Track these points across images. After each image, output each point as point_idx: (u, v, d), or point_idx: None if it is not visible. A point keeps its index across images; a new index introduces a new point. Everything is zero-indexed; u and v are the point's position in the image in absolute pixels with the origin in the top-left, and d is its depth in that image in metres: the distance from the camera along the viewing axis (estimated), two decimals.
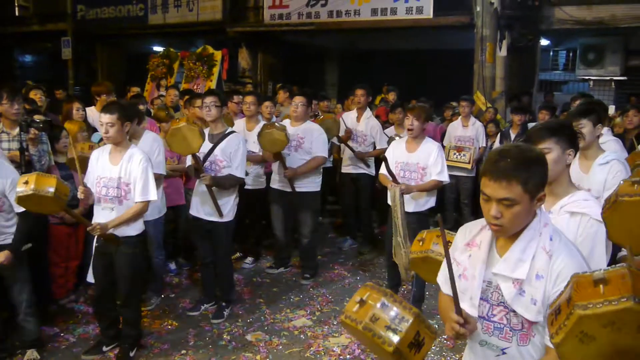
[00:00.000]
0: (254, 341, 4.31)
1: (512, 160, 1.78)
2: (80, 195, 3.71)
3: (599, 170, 3.24)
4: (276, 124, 5.27)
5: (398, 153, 4.73)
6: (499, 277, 1.87)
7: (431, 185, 4.61)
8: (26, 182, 3.35)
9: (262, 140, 5.11)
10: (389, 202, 4.58)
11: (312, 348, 4.21)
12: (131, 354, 3.98)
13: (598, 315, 1.34)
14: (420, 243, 2.54)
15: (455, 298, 1.85)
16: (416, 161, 4.61)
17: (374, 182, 6.30)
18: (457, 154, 7.03)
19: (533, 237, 1.84)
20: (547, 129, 2.46)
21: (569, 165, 2.48)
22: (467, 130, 7.13)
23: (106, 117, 3.71)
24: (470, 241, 2.01)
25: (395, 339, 1.62)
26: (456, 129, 7.23)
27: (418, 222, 4.60)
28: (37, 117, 4.71)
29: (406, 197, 4.53)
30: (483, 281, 1.92)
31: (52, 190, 3.35)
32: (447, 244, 1.87)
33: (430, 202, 4.75)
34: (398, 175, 4.60)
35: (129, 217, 3.80)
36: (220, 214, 4.55)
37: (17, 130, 4.34)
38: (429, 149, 4.62)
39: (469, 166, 6.94)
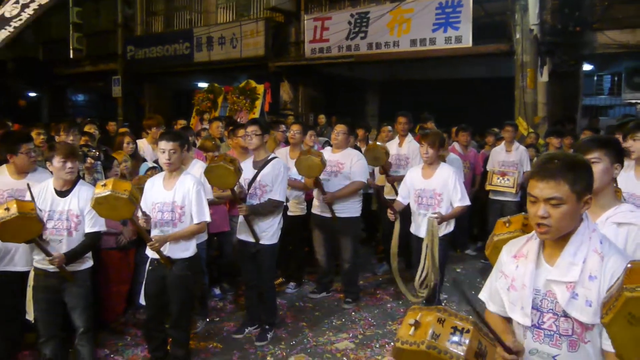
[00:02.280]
0: None
1: (560, 161, 1.85)
2: (142, 223, 3.89)
3: None
4: (312, 149, 5.41)
5: (415, 180, 4.84)
6: (552, 283, 1.89)
7: (458, 212, 4.73)
8: (104, 185, 3.62)
9: (299, 165, 5.22)
10: (412, 230, 4.91)
11: None
12: None
13: None
14: (507, 225, 2.51)
15: (499, 341, 1.85)
16: (432, 187, 4.71)
17: None
18: (501, 178, 6.99)
19: (582, 241, 1.87)
20: (597, 140, 2.53)
21: (614, 179, 2.51)
22: (510, 155, 7.09)
23: (169, 145, 3.93)
24: (516, 253, 2.05)
25: (462, 351, 1.61)
26: (499, 154, 7.19)
27: (439, 246, 4.69)
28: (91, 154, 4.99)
29: (427, 223, 4.66)
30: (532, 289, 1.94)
31: (127, 192, 3.60)
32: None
33: (450, 226, 4.86)
34: (416, 202, 4.78)
35: (185, 234, 3.98)
36: (257, 240, 4.66)
37: None
38: (445, 175, 4.70)
39: (513, 190, 6.87)
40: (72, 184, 3.96)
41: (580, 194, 1.83)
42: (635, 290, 1.39)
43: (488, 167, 7.26)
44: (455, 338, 1.64)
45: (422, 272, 4.66)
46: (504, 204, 6.93)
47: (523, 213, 2.55)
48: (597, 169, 2.38)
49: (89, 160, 4.83)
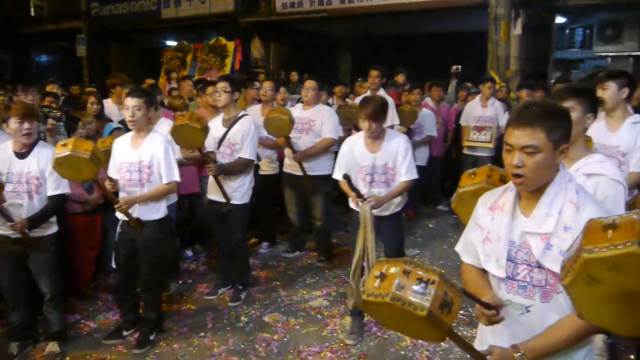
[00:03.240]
0: (271, 322, 4.35)
1: (538, 108, 1.80)
2: (108, 186, 3.79)
3: (631, 127, 3.41)
4: (281, 108, 5.32)
5: (359, 155, 4.00)
6: (527, 234, 1.86)
7: (402, 188, 3.99)
8: (64, 145, 3.48)
9: (267, 125, 5.12)
10: (351, 205, 4.10)
11: (329, 327, 4.23)
12: (151, 338, 4.04)
13: (602, 259, 1.33)
14: (472, 177, 2.47)
15: (477, 300, 1.85)
16: (383, 162, 3.95)
17: None
18: (477, 133, 6.98)
19: (558, 191, 1.84)
20: (572, 89, 2.51)
21: (585, 130, 2.49)
22: (486, 110, 7.04)
23: (133, 101, 3.78)
24: (492, 205, 2.01)
25: (427, 302, 1.57)
26: (474, 109, 7.13)
27: (394, 221, 4.18)
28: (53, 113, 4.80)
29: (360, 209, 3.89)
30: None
31: (88, 152, 3.47)
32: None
33: (404, 201, 4.25)
34: (365, 181, 3.98)
35: (154, 194, 3.88)
36: (228, 200, 4.58)
37: None
38: (395, 145, 3.94)
39: (491, 145, 6.89)
40: (32, 146, 3.82)
41: (556, 142, 1.78)
42: (593, 252, 1.35)
43: (462, 122, 7.23)
44: (420, 289, 1.59)
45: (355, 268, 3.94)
46: (478, 158, 6.89)
47: (489, 165, 2.52)
48: None
49: (50, 121, 4.65)
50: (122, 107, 5.36)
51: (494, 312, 1.84)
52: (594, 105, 2.48)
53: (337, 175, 4.10)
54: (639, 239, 1.30)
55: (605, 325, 1.53)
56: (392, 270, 1.66)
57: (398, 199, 4.13)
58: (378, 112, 3.81)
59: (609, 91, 3.39)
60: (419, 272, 1.63)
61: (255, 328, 4.26)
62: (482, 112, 7.07)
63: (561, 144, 1.80)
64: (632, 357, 3.54)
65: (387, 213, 4.10)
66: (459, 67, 10.16)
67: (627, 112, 3.50)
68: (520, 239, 1.88)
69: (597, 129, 3.46)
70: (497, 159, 6.64)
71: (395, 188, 3.98)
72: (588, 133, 3.13)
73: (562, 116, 1.83)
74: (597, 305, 1.43)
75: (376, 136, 3.94)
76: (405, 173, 3.95)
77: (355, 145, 4.04)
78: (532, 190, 1.86)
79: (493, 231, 1.95)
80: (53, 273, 3.93)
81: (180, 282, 5.13)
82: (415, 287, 1.60)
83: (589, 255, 1.35)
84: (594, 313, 1.47)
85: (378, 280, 1.66)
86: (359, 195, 3.88)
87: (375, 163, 3.96)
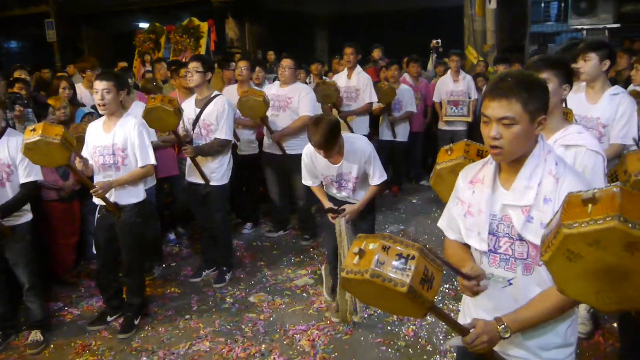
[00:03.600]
0: (256, 302, 4.34)
1: (514, 80, 1.77)
2: (80, 167, 3.70)
3: (611, 99, 3.40)
4: (254, 88, 5.25)
5: (321, 167, 3.85)
6: (508, 207, 1.85)
7: (374, 192, 3.89)
8: (33, 130, 3.40)
9: (241, 107, 5.05)
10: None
11: (314, 305, 4.24)
12: (135, 322, 4.00)
13: (582, 234, 1.32)
14: (449, 152, 2.45)
15: (456, 271, 1.83)
16: (348, 171, 3.79)
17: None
18: (454, 108, 7.01)
19: (538, 163, 1.82)
20: (547, 60, 2.50)
21: (562, 101, 2.48)
22: (458, 85, 7.08)
23: (102, 84, 3.69)
24: (473, 178, 1.99)
25: (407, 277, 1.54)
26: (447, 84, 7.16)
27: (366, 207, 3.98)
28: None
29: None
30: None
31: (59, 136, 3.38)
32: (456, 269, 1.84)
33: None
34: (333, 186, 3.91)
35: (130, 178, 3.82)
36: (207, 181, 4.53)
37: None
38: (358, 155, 3.73)
39: (469, 119, 6.92)
40: (0, 134, 3.71)
41: (533, 113, 1.76)
42: (573, 227, 1.34)
43: (435, 99, 7.27)
44: (400, 265, 1.57)
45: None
46: (455, 133, 6.94)
47: (465, 140, 2.51)
48: None
49: (17, 107, 4.51)
50: (93, 91, 5.25)
51: (474, 283, 1.82)
52: (569, 76, 2.48)
53: (307, 182, 4.01)
54: (619, 212, 1.28)
55: (586, 300, 1.53)
56: (371, 246, 1.63)
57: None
58: (328, 140, 3.52)
59: (590, 62, 3.37)
60: (399, 248, 1.60)
61: (241, 309, 4.25)
62: (454, 86, 7.11)
63: (538, 115, 1.78)
64: (615, 325, 3.61)
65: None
66: (439, 41, 10.12)
67: (606, 84, 3.49)
68: (501, 212, 1.87)
69: (577, 101, 3.47)
70: (471, 133, 6.72)
71: (368, 193, 3.88)
72: (568, 105, 3.13)
73: (538, 87, 1.81)
74: (578, 280, 1.43)
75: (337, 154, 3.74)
76: (374, 176, 3.82)
77: (316, 156, 3.80)
78: (511, 162, 1.84)
79: (474, 204, 1.93)
80: (30, 262, 3.85)
81: (163, 265, 5.10)
82: (395, 263, 1.57)
83: (568, 230, 1.34)
84: (575, 288, 1.47)
85: (357, 257, 1.62)
86: (334, 211, 3.83)
87: (341, 171, 3.81)
